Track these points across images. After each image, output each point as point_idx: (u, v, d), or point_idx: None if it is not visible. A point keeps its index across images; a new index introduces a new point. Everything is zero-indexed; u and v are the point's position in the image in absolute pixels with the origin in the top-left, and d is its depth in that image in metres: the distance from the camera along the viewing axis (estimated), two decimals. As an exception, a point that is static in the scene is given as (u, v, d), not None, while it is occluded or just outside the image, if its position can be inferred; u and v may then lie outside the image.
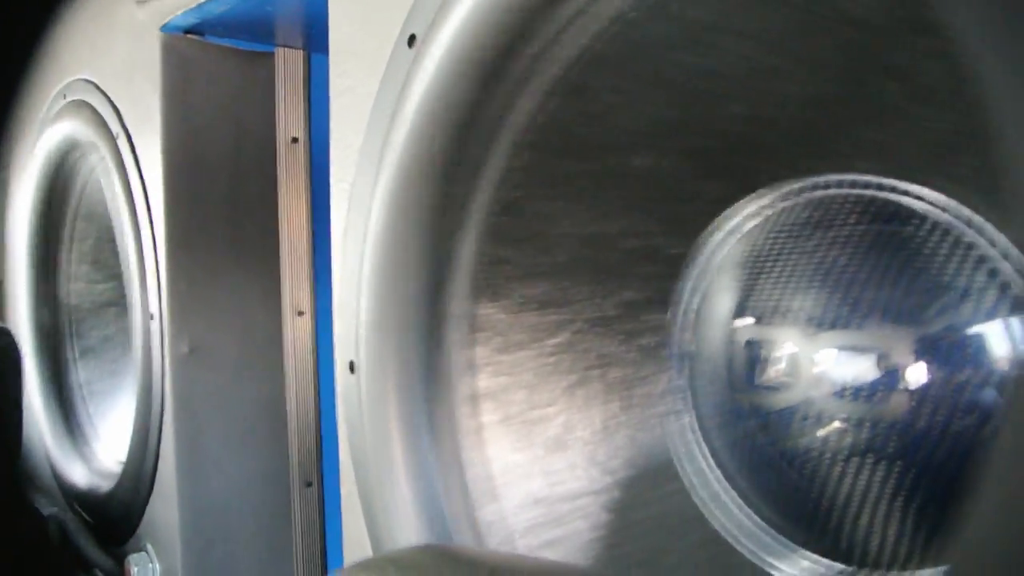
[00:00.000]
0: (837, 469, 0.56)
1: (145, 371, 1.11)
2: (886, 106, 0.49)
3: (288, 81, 1.14)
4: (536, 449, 0.65)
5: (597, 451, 0.66)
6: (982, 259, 0.49)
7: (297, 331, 1.15)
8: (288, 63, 1.14)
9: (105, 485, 1.27)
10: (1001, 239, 0.49)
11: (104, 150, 1.16)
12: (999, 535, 0.25)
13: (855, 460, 0.55)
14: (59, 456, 1.39)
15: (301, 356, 1.16)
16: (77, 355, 1.46)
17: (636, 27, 0.52)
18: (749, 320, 0.61)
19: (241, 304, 1.12)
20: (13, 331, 1.36)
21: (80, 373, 1.46)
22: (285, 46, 1.14)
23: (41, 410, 1.42)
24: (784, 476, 0.60)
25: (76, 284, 1.47)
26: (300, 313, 1.15)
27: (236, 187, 1.11)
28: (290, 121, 1.14)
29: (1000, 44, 0.25)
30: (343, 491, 0.70)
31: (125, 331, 1.45)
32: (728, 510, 0.65)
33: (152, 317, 1.09)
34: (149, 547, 1.16)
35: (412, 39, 0.59)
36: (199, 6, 0.99)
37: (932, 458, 0.52)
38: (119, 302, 1.46)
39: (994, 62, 0.26)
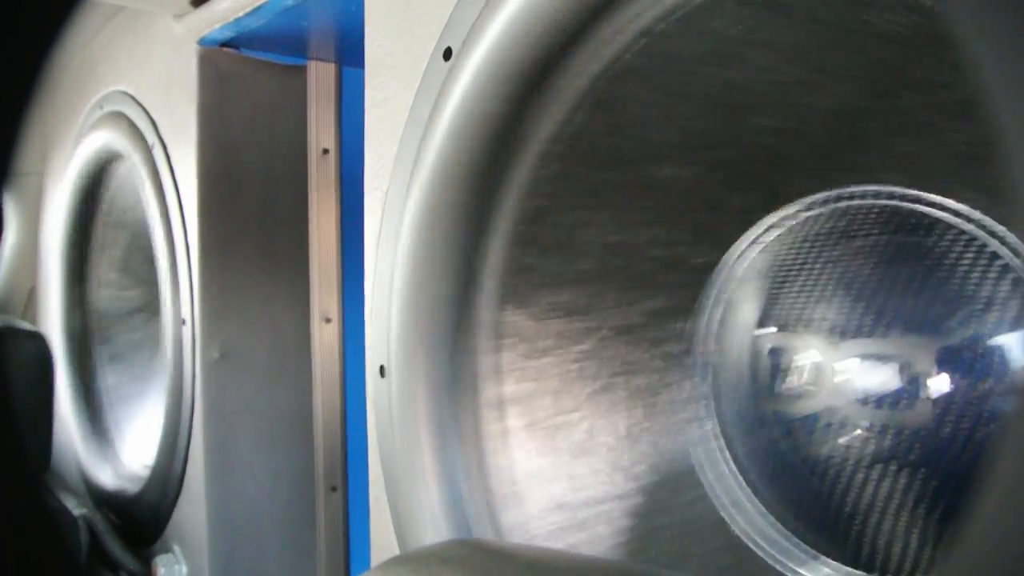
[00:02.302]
0: (859, 476, 0.56)
1: (176, 376, 1.13)
2: (912, 118, 0.50)
3: (320, 93, 1.17)
4: (560, 454, 0.65)
5: (621, 457, 0.66)
6: (1006, 269, 0.50)
7: (325, 338, 1.17)
8: (320, 76, 1.17)
9: (133, 487, 1.28)
10: (1024, 249, 0.49)
11: (139, 159, 1.19)
12: (1004, 543, 0.26)
13: (878, 468, 0.55)
14: (88, 459, 1.41)
15: (328, 363, 1.17)
16: (105, 360, 1.49)
17: (666, 41, 0.53)
18: (773, 328, 0.62)
19: (271, 311, 1.14)
20: (45, 335, 1.39)
21: (108, 378, 1.48)
22: (318, 59, 1.16)
23: (71, 413, 1.44)
24: (806, 483, 0.60)
25: (105, 290, 1.50)
26: (328, 320, 1.17)
27: (268, 196, 1.13)
28: (322, 132, 1.17)
29: (1004, 54, 0.26)
30: (372, 494, 0.71)
31: (152, 337, 1.48)
32: (750, 516, 0.65)
33: (184, 323, 1.11)
34: (176, 548, 1.18)
35: (448, 52, 0.60)
36: (236, 20, 1.01)
37: (954, 466, 0.52)
38: (146, 308, 1.49)
39: (998, 71, 0.27)
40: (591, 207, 0.62)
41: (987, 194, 0.49)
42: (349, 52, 1.14)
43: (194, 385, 1.10)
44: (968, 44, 0.27)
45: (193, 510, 1.13)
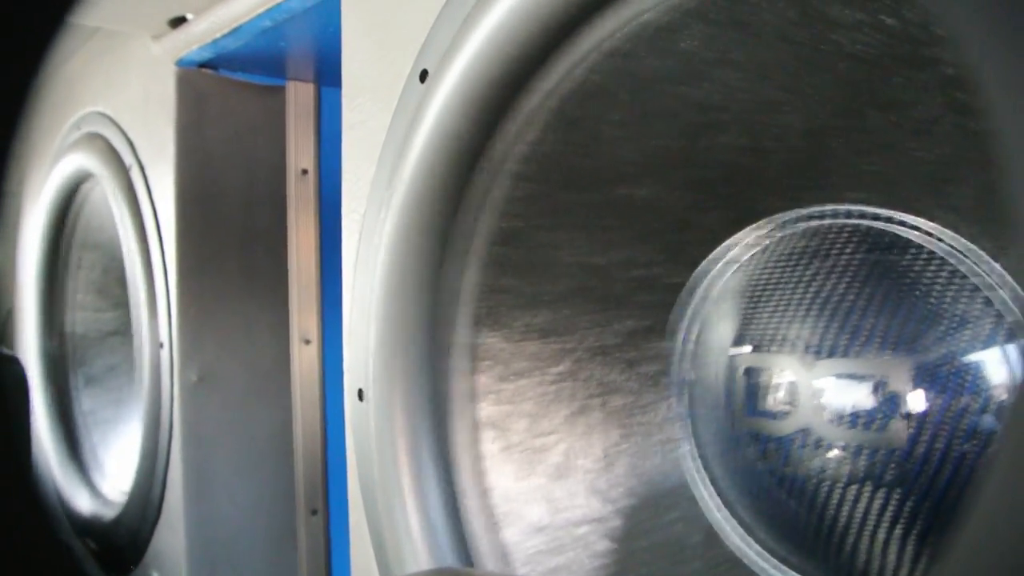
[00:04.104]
0: (837, 497, 0.56)
1: (153, 399, 1.12)
2: (883, 138, 0.50)
3: (299, 114, 1.17)
4: (538, 477, 0.65)
5: (598, 479, 0.66)
6: (977, 288, 0.50)
7: (304, 359, 1.17)
8: (299, 96, 1.17)
9: (111, 513, 1.27)
10: (996, 268, 0.50)
11: (117, 181, 1.18)
12: (992, 546, 0.26)
13: (855, 488, 0.56)
14: (65, 484, 1.39)
15: (308, 384, 1.17)
16: (82, 384, 1.47)
17: (634, 61, 0.53)
18: (748, 348, 0.62)
19: (250, 333, 1.13)
20: (22, 359, 1.37)
21: (84, 401, 1.47)
22: (296, 80, 1.17)
23: (47, 438, 1.43)
24: (784, 504, 0.60)
25: (81, 313, 1.48)
26: (307, 342, 1.17)
27: (247, 217, 1.13)
28: (300, 153, 1.17)
29: (1008, 75, 0.26)
30: (352, 519, 0.71)
31: (129, 360, 1.47)
32: (730, 538, 0.65)
33: (162, 345, 1.10)
34: (155, 575, 1.16)
35: (424, 74, 0.60)
36: (214, 41, 1.01)
37: (931, 485, 0.52)
38: (123, 331, 1.48)
39: (1002, 93, 0.27)
40: (564, 227, 0.62)
41: (957, 213, 0.50)
42: (328, 72, 1.14)
43: (172, 408, 1.09)
44: (975, 71, 0.27)
45: (172, 535, 1.11)
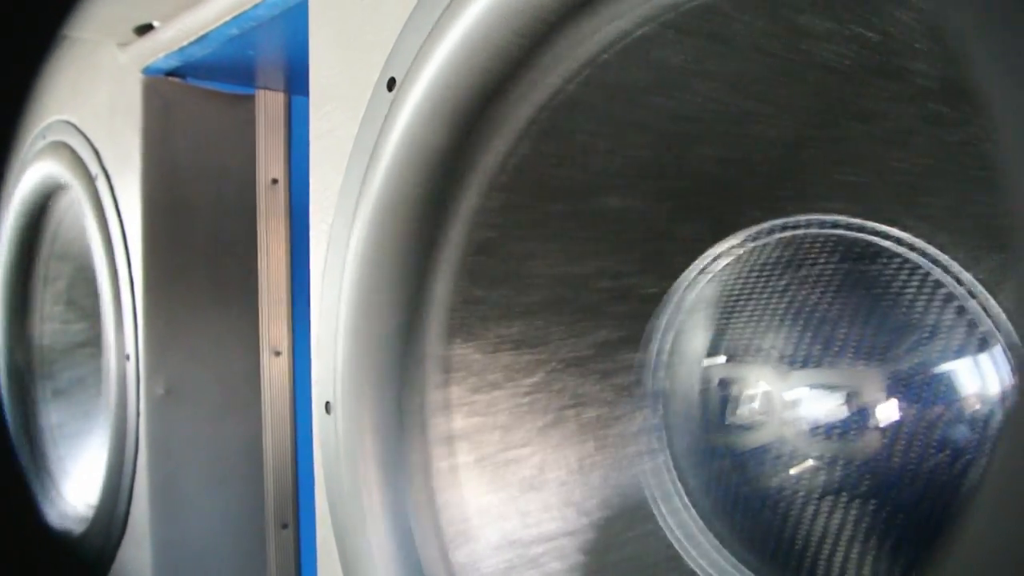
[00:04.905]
0: (811, 508, 0.56)
1: (119, 413, 1.10)
2: (857, 148, 0.51)
3: (268, 123, 1.15)
4: (511, 490, 0.65)
5: (572, 492, 0.66)
6: (949, 297, 0.50)
7: (274, 371, 1.15)
8: (268, 105, 1.15)
9: (76, 529, 1.24)
10: (967, 277, 0.50)
11: (82, 191, 1.16)
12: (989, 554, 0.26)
13: (829, 499, 0.56)
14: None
15: (278, 397, 1.15)
16: (48, 396, 1.45)
17: (610, 71, 0.53)
18: (722, 359, 0.62)
19: (219, 344, 1.12)
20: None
21: (51, 415, 1.44)
22: (266, 88, 1.15)
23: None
24: (759, 515, 0.60)
25: (49, 324, 1.46)
26: (277, 353, 1.15)
27: (216, 227, 1.12)
28: (270, 162, 1.15)
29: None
30: (319, 534, 0.70)
31: (98, 372, 1.44)
32: (704, 550, 0.65)
33: (128, 358, 1.08)
34: (120, 593, 1.14)
35: (392, 82, 0.60)
36: (181, 49, 1.00)
37: (905, 495, 0.52)
38: (92, 343, 1.45)
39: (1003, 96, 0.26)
40: (538, 238, 0.62)
41: (930, 223, 0.50)
42: (298, 81, 1.13)
43: (139, 422, 1.07)
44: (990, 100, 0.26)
45: (138, 552, 1.09)
